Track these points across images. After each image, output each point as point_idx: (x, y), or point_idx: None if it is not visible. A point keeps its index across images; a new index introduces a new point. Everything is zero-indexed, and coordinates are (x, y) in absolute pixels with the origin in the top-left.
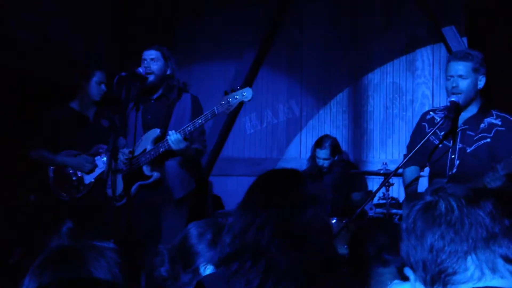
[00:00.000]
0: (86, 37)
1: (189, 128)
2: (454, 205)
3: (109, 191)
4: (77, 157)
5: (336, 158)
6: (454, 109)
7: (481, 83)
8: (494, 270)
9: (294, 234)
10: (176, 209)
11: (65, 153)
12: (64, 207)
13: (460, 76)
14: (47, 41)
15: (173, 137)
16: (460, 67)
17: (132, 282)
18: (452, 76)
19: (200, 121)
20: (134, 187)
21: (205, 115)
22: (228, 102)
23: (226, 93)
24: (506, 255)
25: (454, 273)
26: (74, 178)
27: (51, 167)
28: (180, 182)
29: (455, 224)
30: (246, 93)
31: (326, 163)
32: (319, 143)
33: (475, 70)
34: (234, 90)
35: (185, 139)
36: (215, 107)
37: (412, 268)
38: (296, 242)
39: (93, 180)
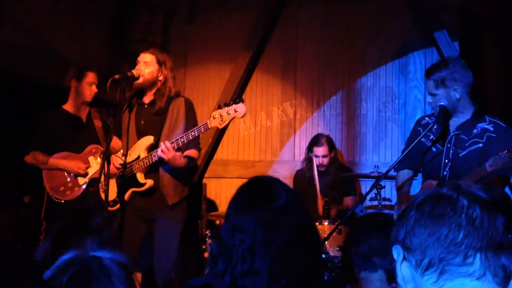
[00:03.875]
0: (82, 40)
1: (182, 140)
2: (476, 203)
3: (103, 195)
4: (70, 160)
5: (332, 154)
6: (443, 114)
7: (456, 93)
8: (495, 275)
9: (275, 241)
10: (171, 214)
11: (58, 155)
12: (59, 209)
13: (430, 93)
14: (44, 45)
15: (165, 145)
16: (428, 85)
17: None
18: (428, 95)
19: (193, 133)
20: (128, 194)
21: (198, 128)
22: (221, 116)
23: (219, 107)
24: (504, 266)
25: (459, 264)
26: (68, 180)
27: (45, 170)
28: (173, 189)
29: (475, 220)
30: (239, 110)
31: (325, 160)
32: (315, 142)
33: (440, 86)
34: (228, 104)
35: (177, 149)
36: (207, 121)
37: (406, 247)
38: (277, 248)
39: (87, 181)
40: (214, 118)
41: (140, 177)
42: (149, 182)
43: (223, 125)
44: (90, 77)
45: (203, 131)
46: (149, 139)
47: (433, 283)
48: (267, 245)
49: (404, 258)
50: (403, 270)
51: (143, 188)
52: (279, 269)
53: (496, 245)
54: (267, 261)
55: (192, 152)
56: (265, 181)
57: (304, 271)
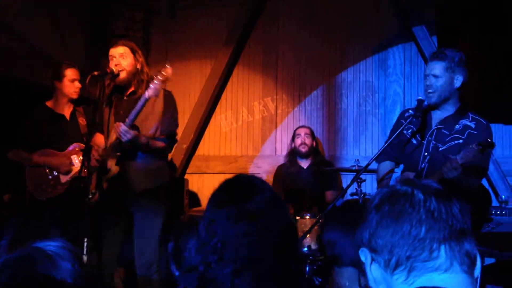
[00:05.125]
0: (61, 37)
1: (131, 117)
2: (431, 195)
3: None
4: (54, 157)
5: (314, 143)
6: (420, 108)
7: (458, 82)
8: (461, 264)
9: (245, 236)
10: (148, 207)
11: (41, 153)
12: (41, 206)
13: (434, 75)
14: (23, 42)
15: (120, 128)
16: (435, 67)
17: (103, 281)
18: (428, 75)
19: (137, 108)
20: (100, 183)
21: (140, 102)
22: (155, 85)
23: (153, 78)
24: (468, 253)
25: (426, 259)
26: (50, 177)
27: (27, 167)
28: (143, 176)
29: (434, 212)
30: (165, 72)
31: (308, 140)
32: (298, 127)
33: (449, 69)
34: (159, 72)
35: (133, 127)
36: (146, 92)
37: (372, 249)
38: (246, 242)
39: (69, 179)
40: (150, 88)
41: (111, 164)
42: (114, 168)
43: (156, 93)
44: (71, 74)
45: (144, 102)
46: (119, 125)
47: (403, 282)
48: (236, 239)
49: (373, 260)
50: (373, 272)
51: (110, 174)
52: (245, 263)
53: (457, 232)
54: (234, 254)
55: (161, 138)
56: (246, 179)
57: (272, 269)
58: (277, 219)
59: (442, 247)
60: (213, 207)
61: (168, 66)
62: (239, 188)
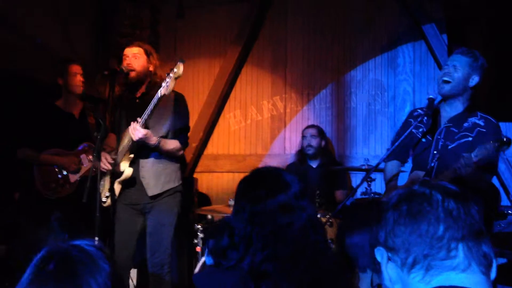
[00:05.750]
0: (67, 36)
1: (145, 116)
2: (449, 196)
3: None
4: (63, 156)
5: (323, 144)
6: (431, 106)
7: (473, 81)
8: (479, 264)
9: (295, 223)
10: (161, 208)
11: (50, 151)
12: (50, 206)
13: (454, 66)
14: (28, 41)
15: (132, 126)
16: (458, 59)
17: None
18: (447, 65)
19: (151, 107)
20: (117, 188)
21: (153, 100)
22: (167, 83)
23: (166, 75)
24: (485, 254)
25: (443, 258)
26: (59, 176)
27: (36, 166)
28: (155, 179)
29: (452, 211)
30: (177, 69)
31: (314, 142)
32: (306, 127)
33: (470, 67)
34: (171, 69)
35: (145, 127)
36: (158, 91)
37: (389, 248)
38: (296, 230)
39: (78, 179)
40: (163, 87)
41: (123, 166)
42: (127, 170)
43: (169, 89)
44: (73, 68)
45: (157, 102)
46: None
47: (420, 280)
48: (288, 228)
49: (389, 259)
50: (389, 271)
51: (122, 177)
52: (299, 251)
53: (476, 233)
54: (289, 244)
55: (173, 142)
56: (275, 169)
57: (319, 252)
58: (311, 205)
59: (460, 247)
60: (256, 200)
61: (179, 63)
62: (277, 178)
